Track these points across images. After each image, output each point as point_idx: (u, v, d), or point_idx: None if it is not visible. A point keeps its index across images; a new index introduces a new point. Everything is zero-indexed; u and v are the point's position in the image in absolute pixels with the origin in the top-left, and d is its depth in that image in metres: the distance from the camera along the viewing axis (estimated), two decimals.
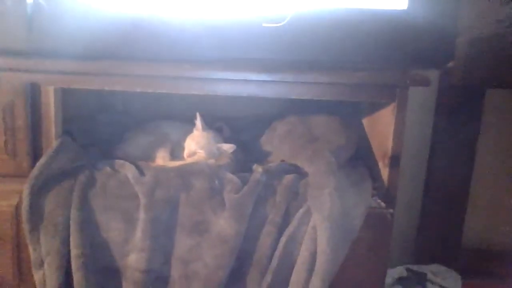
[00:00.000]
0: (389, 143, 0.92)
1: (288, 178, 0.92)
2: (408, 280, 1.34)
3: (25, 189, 0.85)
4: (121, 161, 0.94)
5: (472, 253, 1.46)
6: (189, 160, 0.99)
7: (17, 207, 0.91)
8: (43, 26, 0.83)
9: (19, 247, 0.92)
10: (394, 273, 1.35)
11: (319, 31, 0.84)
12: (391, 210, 0.90)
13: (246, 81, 0.92)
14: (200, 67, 0.90)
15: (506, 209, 1.43)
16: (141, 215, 0.86)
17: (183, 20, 0.86)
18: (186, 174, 0.90)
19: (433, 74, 1.30)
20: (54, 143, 0.91)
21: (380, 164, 0.97)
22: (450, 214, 1.44)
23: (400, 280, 1.34)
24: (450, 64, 0.82)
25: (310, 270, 0.83)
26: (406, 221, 1.46)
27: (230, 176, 0.91)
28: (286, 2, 0.84)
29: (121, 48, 0.86)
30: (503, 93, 1.35)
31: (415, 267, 1.38)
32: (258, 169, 0.93)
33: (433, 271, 1.37)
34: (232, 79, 0.92)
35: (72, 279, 0.85)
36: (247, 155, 1.07)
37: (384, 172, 0.94)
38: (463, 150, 1.39)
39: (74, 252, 0.85)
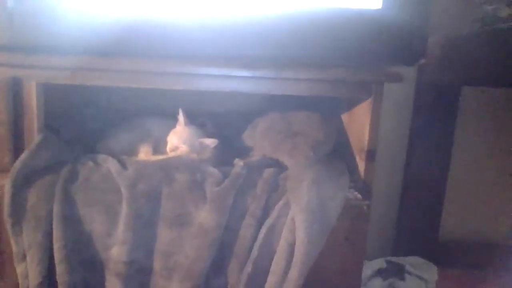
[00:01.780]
0: (366, 138, 0.95)
1: (268, 171, 0.94)
2: (387, 272, 1.37)
3: (7, 183, 0.86)
4: (104, 156, 0.95)
5: (449, 245, 1.51)
6: (171, 155, 1.01)
7: None
8: (25, 20, 0.83)
9: (0, 241, 0.93)
10: (374, 265, 1.39)
11: (299, 29, 0.87)
12: (367, 202, 0.93)
13: (229, 77, 0.94)
14: (184, 63, 0.92)
15: (481, 202, 1.48)
16: (123, 208, 0.87)
17: (166, 16, 0.88)
18: (168, 167, 0.92)
19: (410, 72, 1.35)
20: (36, 138, 0.92)
21: (357, 158, 1.00)
22: (427, 207, 1.48)
23: (379, 271, 1.37)
24: (422, 61, 0.85)
25: (289, 260, 0.85)
26: (386, 215, 1.50)
27: (211, 169, 0.93)
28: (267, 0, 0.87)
29: (104, 43, 0.87)
30: (478, 90, 1.40)
31: (394, 259, 1.41)
32: (239, 163, 0.95)
33: (411, 263, 1.41)
34: (215, 75, 0.94)
35: (55, 272, 0.86)
36: (229, 150, 1.09)
37: (361, 166, 0.98)
38: (440, 145, 1.44)
39: (56, 245, 0.86)
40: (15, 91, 0.91)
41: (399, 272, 1.38)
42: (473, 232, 1.51)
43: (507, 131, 1.41)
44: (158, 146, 1.06)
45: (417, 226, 1.49)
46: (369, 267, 1.37)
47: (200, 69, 0.93)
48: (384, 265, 1.39)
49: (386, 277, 1.36)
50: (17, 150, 0.92)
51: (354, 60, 0.88)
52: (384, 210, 1.49)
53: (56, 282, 0.86)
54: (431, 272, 1.39)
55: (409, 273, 1.37)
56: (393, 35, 0.84)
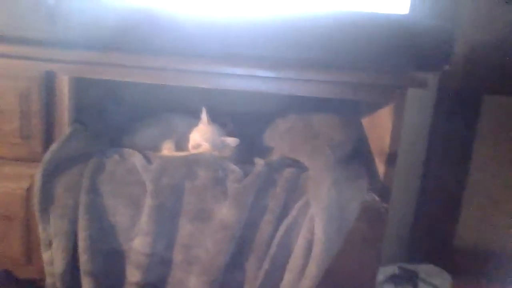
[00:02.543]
0: (387, 141, 0.96)
1: (288, 171, 0.96)
2: (400, 278, 1.37)
3: (38, 172, 0.89)
4: (129, 150, 0.98)
5: (464, 254, 1.50)
6: (193, 152, 1.03)
7: (29, 190, 0.95)
8: (64, 16, 0.86)
9: (28, 228, 0.96)
10: (387, 271, 1.39)
11: (324, 32, 0.88)
12: (385, 205, 0.94)
13: (252, 77, 0.96)
14: (208, 62, 0.94)
15: (498, 211, 1.47)
16: (148, 201, 0.90)
17: (194, 15, 0.90)
18: (191, 163, 0.94)
19: (433, 78, 1.35)
20: (67, 131, 0.95)
21: (377, 161, 1.01)
22: (444, 214, 1.48)
23: (392, 278, 1.37)
24: (447, 67, 0.85)
25: (307, 257, 0.87)
26: (401, 220, 1.50)
27: (233, 167, 0.95)
28: (294, 2, 0.88)
29: (135, 41, 0.90)
30: (501, 99, 1.39)
31: (407, 266, 1.41)
32: (260, 161, 0.97)
33: (425, 270, 1.40)
34: (239, 75, 0.96)
35: (79, 260, 0.89)
36: (250, 149, 1.10)
37: (381, 169, 0.98)
38: (459, 152, 1.43)
39: (81, 234, 0.89)
40: (49, 84, 0.94)
41: (411, 279, 1.37)
42: (489, 241, 1.49)
43: None
44: (181, 143, 1.08)
45: (432, 233, 1.48)
46: (382, 273, 1.37)
47: (225, 68, 0.95)
48: (397, 271, 1.39)
49: (398, 284, 1.35)
50: (48, 141, 0.95)
51: (379, 64, 0.89)
52: (399, 216, 1.49)
53: (79, 270, 0.89)
54: (444, 281, 1.38)
55: (422, 281, 1.37)
56: (419, 40, 0.85)
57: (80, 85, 0.98)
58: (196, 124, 1.08)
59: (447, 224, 1.49)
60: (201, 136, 1.04)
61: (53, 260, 0.90)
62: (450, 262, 1.43)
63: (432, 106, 1.42)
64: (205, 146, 1.03)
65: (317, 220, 0.86)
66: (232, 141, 1.04)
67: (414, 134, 1.44)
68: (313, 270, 0.85)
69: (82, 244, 0.88)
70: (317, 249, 0.85)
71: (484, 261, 1.48)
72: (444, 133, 1.42)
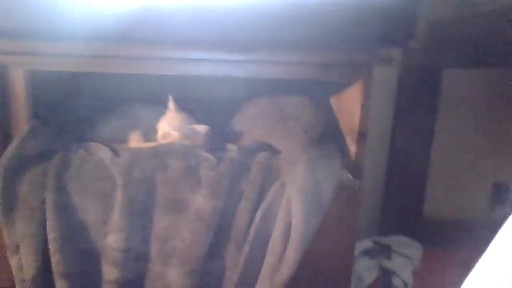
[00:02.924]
0: (356, 120, 0.97)
1: (262, 155, 0.95)
2: (374, 252, 1.41)
3: None
4: (95, 144, 0.94)
5: (433, 224, 1.55)
6: (163, 142, 1.00)
7: None
8: (14, 4, 0.81)
9: None
10: (361, 245, 1.42)
11: (288, 12, 0.87)
12: (359, 182, 0.96)
13: (218, 61, 0.93)
14: (171, 47, 0.90)
15: (462, 182, 1.52)
16: (118, 195, 0.87)
17: (156, 1, 0.86)
18: (162, 153, 0.91)
19: (395, 55, 1.37)
20: (25, 127, 0.90)
21: (348, 140, 1.02)
22: (412, 188, 1.52)
23: (366, 251, 1.40)
24: (412, 43, 0.86)
25: (285, 240, 0.87)
26: (371, 196, 1.54)
27: (205, 154, 0.93)
28: None
29: (93, 29, 0.85)
30: (459, 72, 1.43)
31: (380, 239, 1.45)
32: (232, 147, 0.96)
33: (397, 241, 1.45)
34: (203, 59, 0.93)
35: (51, 263, 0.85)
36: (220, 136, 1.09)
37: (352, 147, 0.99)
38: (423, 126, 1.47)
39: (51, 235, 0.85)
40: (2, 78, 0.88)
41: (385, 251, 1.41)
42: (455, 211, 1.55)
43: (488, 110, 1.46)
44: (148, 134, 1.05)
45: (402, 205, 1.53)
46: (356, 248, 1.39)
47: (188, 53, 0.92)
48: (371, 245, 1.43)
49: (373, 257, 1.39)
50: (4, 139, 0.90)
51: (345, 43, 0.89)
52: (370, 191, 1.52)
53: (52, 273, 0.85)
54: (416, 250, 1.43)
55: (396, 252, 1.41)
56: (384, 17, 0.85)
57: (38, 78, 0.93)
58: (162, 114, 1.05)
59: (415, 197, 1.54)
60: (170, 125, 1.01)
61: (22, 265, 0.85)
62: (420, 232, 1.48)
63: (395, 82, 1.45)
64: (175, 135, 1.00)
65: (294, 201, 0.86)
66: (202, 128, 1.02)
67: (380, 111, 1.47)
68: (293, 251, 0.86)
69: (52, 246, 0.84)
70: (296, 230, 0.86)
71: (451, 230, 1.54)
72: (408, 108, 1.45)
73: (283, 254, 0.87)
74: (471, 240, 1.47)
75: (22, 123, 0.91)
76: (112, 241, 0.86)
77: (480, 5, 1.34)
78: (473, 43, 1.30)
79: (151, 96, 1.12)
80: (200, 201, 0.88)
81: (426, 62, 1.38)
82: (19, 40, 0.86)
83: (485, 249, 0.62)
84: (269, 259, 0.88)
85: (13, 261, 0.86)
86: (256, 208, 0.90)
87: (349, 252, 1.00)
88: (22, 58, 0.88)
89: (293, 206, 0.86)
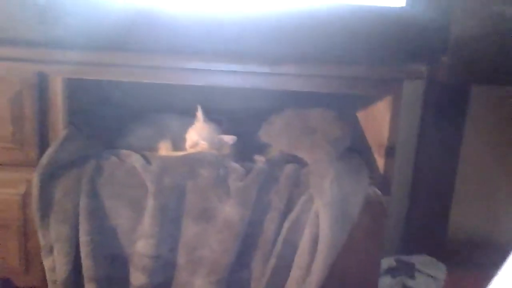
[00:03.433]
0: (385, 134, 0.97)
1: (289, 167, 0.95)
2: (397, 270, 1.38)
3: (35, 177, 0.87)
4: (127, 151, 0.96)
5: (457, 244, 1.52)
6: (191, 151, 1.02)
7: (24, 196, 0.92)
8: (55, 16, 0.84)
9: (26, 235, 0.93)
10: (384, 263, 1.40)
11: (321, 26, 0.88)
12: (386, 198, 0.95)
13: (247, 73, 0.95)
14: (202, 59, 0.93)
15: (489, 202, 1.49)
16: (150, 202, 0.88)
17: (187, 12, 0.89)
18: (192, 162, 0.93)
19: (425, 71, 1.36)
20: (62, 133, 0.93)
21: (376, 155, 1.02)
22: (436, 206, 1.50)
23: (390, 270, 1.38)
24: (444, 59, 0.87)
25: (313, 253, 0.87)
26: (396, 213, 1.52)
27: (234, 165, 0.94)
28: None
29: (128, 40, 0.89)
30: (488, 89, 1.42)
31: (403, 258, 1.43)
32: (260, 158, 0.97)
33: (420, 261, 1.42)
34: (233, 71, 0.95)
35: (81, 266, 0.87)
36: (247, 147, 1.10)
37: (380, 162, 0.99)
38: (449, 143, 1.45)
39: (83, 238, 0.87)
40: (41, 86, 0.91)
41: (409, 270, 1.39)
42: (481, 231, 1.52)
43: None
44: (176, 143, 1.07)
45: (426, 224, 1.50)
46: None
47: (218, 65, 0.94)
48: (394, 263, 1.41)
49: (396, 275, 1.37)
50: (42, 145, 0.93)
51: (376, 58, 0.90)
52: (394, 208, 1.51)
53: (82, 275, 0.87)
54: (440, 271, 1.40)
55: (419, 271, 1.39)
56: (415, 33, 0.86)
57: (73, 87, 0.96)
58: (190, 123, 1.07)
59: (440, 215, 1.51)
60: (198, 135, 1.03)
61: (55, 266, 0.87)
62: (444, 252, 1.45)
63: (422, 97, 1.44)
64: (203, 145, 1.02)
65: (322, 215, 0.87)
66: (229, 138, 1.03)
67: (406, 126, 1.46)
68: (320, 265, 0.85)
69: (84, 249, 0.86)
70: (323, 244, 0.85)
71: (476, 251, 1.51)
72: (434, 124, 1.44)
73: (309, 267, 0.87)
74: (496, 262, 1.44)
75: (59, 130, 0.94)
76: (141, 247, 0.88)
77: (510, 20, 1.34)
78: (502, 59, 1.29)
79: (180, 106, 1.14)
80: (228, 211, 0.89)
81: (454, 78, 1.37)
82: (58, 49, 0.89)
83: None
84: (296, 271, 0.88)
85: (47, 262, 0.88)
86: (283, 219, 0.91)
87: (375, 268, 0.99)
88: (60, 67, 0.91)
89: (321, 219, 0.87)
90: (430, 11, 0.84)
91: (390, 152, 0.97)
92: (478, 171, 1.47)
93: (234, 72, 0.95)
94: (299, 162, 0.99)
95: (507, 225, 1.50)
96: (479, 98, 1.42)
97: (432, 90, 1.43)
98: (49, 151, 0.89)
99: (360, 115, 1.16)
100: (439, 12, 0.84)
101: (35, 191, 0.86)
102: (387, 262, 1.40)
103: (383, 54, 0.90)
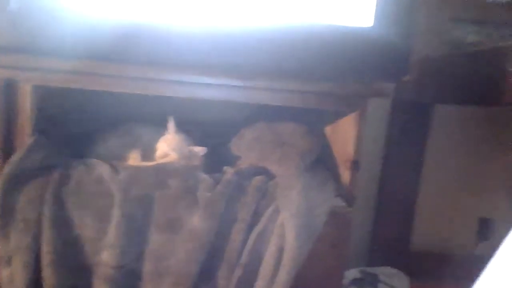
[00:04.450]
0: (350, 149, 1.00)
1: (258, 179, 0.97)
2: (362, 281, 1.42)
3: None
4: (95, 160, 0.95)
5: (420, 256, 1.57)
6: (162, 161, 1.02)
7: None
8: (25, 21, 0.83)
9: None
10: (349, 275, 1.43)
11: (292, 43, 0.91)
12: (350, 209, 0.98)
13: (219, 85, 0.96)
14: (174, 70, 0.93)
15: (451, 215, 1.56)
16: (116, 211, 0.88)
17: (161, 24, 0.90)
18: (161, 173, 0.93)
19: (389, 89, 1.42)
20: (28, 141, 0.92)
21: (341, 168, 1.05)
22: (400, 219, 1.55)
23: (354, 281, 1.41)
24: (407, 78, 0.91)
25: (277, 264, 0.88)
26: (360, 225, 1.56)
27: (203, 176, 0.95)
28: (261, 13, 0.91)
29: (103, 48, 0.88)
30: (450, 109, 1.49)
31: (368, 269, 1.46)
32: (229, 170, 0.98)
33: (384, 272, 1.46)
34: (205, 83, 0.96)
35: (41, 277, 0.85)
36: (216, 158, 1.11)
37: (345, 175, 1.02)
38: (412, 159, 1.51)
39: (45, 248, 0.85)
40: (9, 93, 0.90)
41: (373, 282, 1.43)
42: (442, 243, 1.58)
43: (475, 145, 1.51)
44: (147, 153, 1.07)
45: (390, 236, 1.55)
46: (344, 277, 1.41)
47: (190, 77, 0.95)
48: (359, 275, 1.44)
49: (360, 287, 1.40)
50: (8, 153, 0.91)
51: (344, 75, 0.93)
52: (359, 220, 1.55)
53: (42, 287, 0.85)
54: (403, 282, 1.44)
55: (383, 283, 1.43)
56: (381, 52, 0.89)
57: (42, 94, 0.95)
58: (162, 134, 1.07)
59: (403, 228, 1.56)
60: (168, 146, 1.03)
61: (13, 278, 0.85)
62: (407, 264, 1.50)
63: (387, 114, 1.49)
64: (173, 156, 1.02)
65: (287, 226, 0.88)
66: (200, 150, 1.04)
67: (371, 141, 1.51)
68: (284, 276, 0.87)
69: (46, 259, 0.85)
70: (288, 255, 0.87)
71: (438, 263, 1.56)
72: (399, 140, 1.50)
73: (274, 277, 0.88)
74: (457, 274, 1.49)
75: (26, 137, 0.92)
76: (105, 257, 0.87)
77: (469, 45, 1.42)
78: (462, 81, 1.36)
79: (152, 116, 1.14)
80: (196, 221, 0.89)
81: (417, 97, 1.43)
82: (28, 55, 0.88)
83: (470, 283, 0.64)
84: (260, 283, 0.89)
85: (4, 273, 0.85)
86: (250, 230, 0.92)
87: (339, 279, 1.01)
88: (30, 74, 0.90)
89: (286, 230, 0.88)
90: (396, 31, 0.88)
91: (355, 165, 1.00)
92: (439, 186, 1.54)
93: (207, 84, 0.96)
94: (268, 174, 1.01)
95: (468, 238, 1.57)
96: (441, 117, 1.49)
97: (397, 107, 1.49)
98: (14, 159, 0.87)
99: (328, 130, 1.19)
100: (404, 33, 0.88)
101: None
102: (351, 273, 1.43)
103: (350, 71, 0.93)
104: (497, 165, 1.52)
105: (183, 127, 1.11)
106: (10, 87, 0.90)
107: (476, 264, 0.68)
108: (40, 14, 0.85)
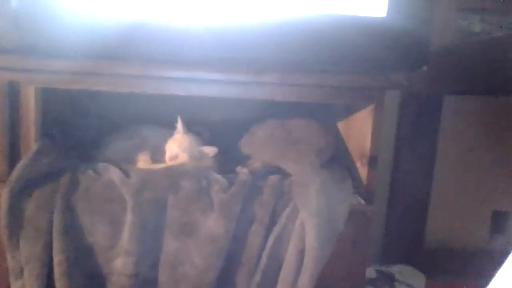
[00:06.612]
0: (367, 144, 0.97)
1: (273, 178, 0.94)
2: (377, 281, 1.39)
3: (4, 192, 0.81)
4: (104, 164, 0.92)
5: (434, 252, 1.54)
6: (171, 163, 0.98)
7: None
8: (27, 23, 0.80)
9: None
10: None
11: (303, 35, 0.88)
12: (371, 207, 0.95)
13: (229, 82, 0.93)
14: (183, 67, 0.90)
15: (465, 210, 1.52)
16: (128, 217, 0.84)
17: (167, 21, 0.86)
18: (173, 175, 0.90)
19: (405, 80, 1.39)
20: (34, 146, 0.88)
21: (358, 164, 1.02)
22: (413, 215, 1.51)
23: (370, 280, 1.38)
24: (425, 68, 0.88)
25: (299, 267, 0.85)
26: (375, 223, 1.52)
27: (217, 176, 0.91)
28: (274, 5, 0.88)
29: (107, 48, 0.85)
30: (461, 99, 1.45)
31: (383, 268, 1.43)
32: (243, 170, 0.94)
33: (399, 271, 1.43)
34: (214, 80, 0.92)
35: (54, 287, 0.82)
36: (228, 158, 1.08)
37: (363, 172, 0.99)
38: (424, 153, 1.48)
39: (57, 258, 0.82)
40: (13, 96, 0.86)
41: (389, 281, 1.40)
42: (457, 239, 1.55)
43: (488, 137, 1.47)
44: (156, 155, 1.03)
45: (404, 233, 1.51)
46: None
47: (197, 74, 0.91)
48: (374, 274, 1.41)
49: (377, 286, 1.37)
50: (13, 158, 0.88)
51: (359, 67, 0.90)
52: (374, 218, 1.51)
53: None
54: (419, 280, 1.42)
55: (399, 282, 1.40)
56: (397, 43, 0.86)
57: (46, 96, 0.91)
58: (170, 135, 1.04)
59: (417, 224, 1.53)
60: (178, 147, 1.00)
61: None
62: (422, 261, 1.46)
63: (398, 107, 1.46)
64: (183, 157, 0.99)
65: (307, 227, 0.85)
66: (210, 150, 1.01)
67: (384, 135, 1.47)
68: (306, 278, 0.84)
69: (58, 269, 0.81)
70: (309, 257, 0.84)
71: (453, 259, 1.53)
72: (410, 134, 1.46)
73: (295, 280, 0.85)
74: (472, 269, 1.46)
75: (31, 141, 0.89)
76: (120, 265, 0.83)
77: (480, 34, 1.38)
78: (476, 70, 1.33)
79: (159, 116, 1.11)
80: (212, 224, 0.86)
81: (428, 88, 1.40)
82: (31, 57, 0.85)
83: (486, 278, 0.61)
84: (282, 286, 0.86)
85: (15, 285, 0.82)
86: (268, 232, 0.89)
87: (361, 277, 0.98)
88: (33, 76, 0.87)
89: (307, 230, 0.85)
90: (410, 21, 0.85)
91: (372, 161, 0.97)
92: (453, 179, 1.50)
93: (216, 81, 0.93)
94: (282, 173, 0.97)
95: (482, 232, 1.54)
96: (453, 109, 1.45)
97: (408, 100, 1.45)
98: (20, 165, 0.84)
99: (340, 125, 1.16)
100: (419, 23, 0.85)
101: (4, 207, 0.80)
102: (367, 272, 1.40)
103: (365, 63, 0.90)
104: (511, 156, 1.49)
105: (192, 127, 1.08)
106: (14, 90, 0.87)
107: (491, 259, 0.65)
108: (41, 15, 0.82)
